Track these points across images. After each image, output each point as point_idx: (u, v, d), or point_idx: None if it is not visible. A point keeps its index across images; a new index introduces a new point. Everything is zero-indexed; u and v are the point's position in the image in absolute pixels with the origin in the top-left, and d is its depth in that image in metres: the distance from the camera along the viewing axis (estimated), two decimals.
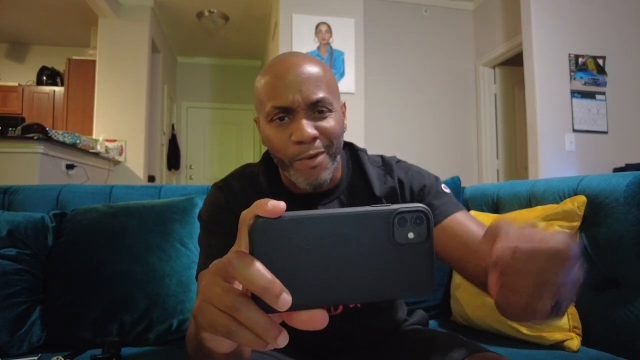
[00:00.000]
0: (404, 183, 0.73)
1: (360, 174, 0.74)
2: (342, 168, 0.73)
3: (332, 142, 0.63)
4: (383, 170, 0.74)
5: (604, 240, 0.91)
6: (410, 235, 0.28)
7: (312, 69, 0.62)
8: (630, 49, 3.08)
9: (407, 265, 0.28)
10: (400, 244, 0.28)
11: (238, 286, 0.28)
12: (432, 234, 0.29)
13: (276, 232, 0.27)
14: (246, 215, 0.28)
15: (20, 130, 2.55)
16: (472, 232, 0.62)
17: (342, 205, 0.71)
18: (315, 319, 0.27)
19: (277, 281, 0.26)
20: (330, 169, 0.64)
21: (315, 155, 0.61)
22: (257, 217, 0.27)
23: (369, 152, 0.78)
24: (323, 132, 0.62)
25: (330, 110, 0.63)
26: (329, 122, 0.63)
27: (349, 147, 0.77)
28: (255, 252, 0.27)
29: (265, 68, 0.66)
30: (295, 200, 0.71)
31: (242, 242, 0.28)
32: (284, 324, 0.28)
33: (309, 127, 0.60)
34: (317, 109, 0.62)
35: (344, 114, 0.69)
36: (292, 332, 0.29)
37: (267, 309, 0.26)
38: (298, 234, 0.27)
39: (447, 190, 0.72)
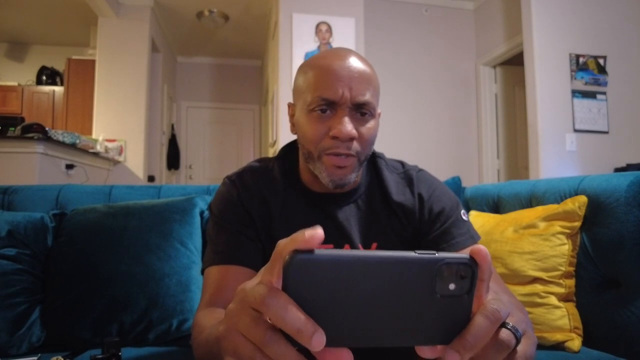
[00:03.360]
0: (424, 201, 0.70)
1: (377, 180, 0.72)
2: (362, 172, 0.72)
3: (364, 148, 0.63)
4: (403, 179, 0.73)
5: (604, 241, 0.91)
6: (452, 286, 0.27)
7: (364, 69, 0.62)
8: (631, 49, 3.08)
9: (443, 315, 0.27)
10: (440, 294, 0.27)
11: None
12: (474, 288, 0.28)
13: (312, 270, 0.26)
14: (284, 248, 0.27)
15: (20, 130, 2.54)
16: None
17: (358, 209, 0.70)
18: (341, 359, 0.26)
19: (311, 321, 0.25)
20: (356, 173, 0.64)
21: (345, 156, 0.61)
22: (294, 252, 0.26)
23: None
24: (361, 136, 0.61)
25: (372, 115, 0.63)
26: (368, 128, 0.62)
27: None
28: (288, 289, 0.26)
29: (314, 58, 0.65)
30: (311, 198, 0.70)
31: (275, 272, 0.27)
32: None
33: (350, 126, 0.60)
34: (360, 111, 0.61)
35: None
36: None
37: (295, 342, 0.26)
38: (335, 274, 0.26)
39: (466, 218, 0.70)
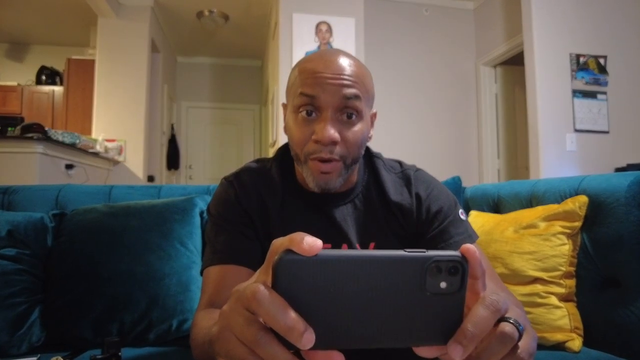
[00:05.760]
0: (422, 200, 0.70)
1: (375, 180, 0.72)
2: (358, 172, 0.71)
3: (350, 152, 0.62)
4: (400, 179, 0.72)
5: (605, 240, 0.91)
6: (443, 284, 0.27)
7: (352, 67, 0.61)
8: (631, 48, 3.08)
9: (435, 314, 0.27)
10: (431, 292, 0.27)
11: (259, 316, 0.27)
12: (465, 286, 0.27)
13: (302, 270, 0.25)
14: (279, 247, 0.27)
15: (20, 130, 2.54)
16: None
17: (355, 208, 0.70)
18: None
19: (301, 320, 0.25)
20: (343, 177, 0.63)
21: (329, 160, 0.60)
22: (284, 252, 0.25)
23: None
24: (344, 140, 0.60)
25: (359, 117, 0.61)
26: (353, 131, 0.61)
27: (365, 151, 0.74)
28: (278, 287, 0.26)
29: (302, 59, 0.65)
30: (308, 199, 0.69)
31: (270, 272, 0.27)
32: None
33: (332, 130, 0.59)
34: (346, 112, 0.60)
35: (372, 123, 0.68)
36: None
37: (287, 344, 0.25)
38: (324, 274, 0.26)
39: (464, 217, 0.70)
